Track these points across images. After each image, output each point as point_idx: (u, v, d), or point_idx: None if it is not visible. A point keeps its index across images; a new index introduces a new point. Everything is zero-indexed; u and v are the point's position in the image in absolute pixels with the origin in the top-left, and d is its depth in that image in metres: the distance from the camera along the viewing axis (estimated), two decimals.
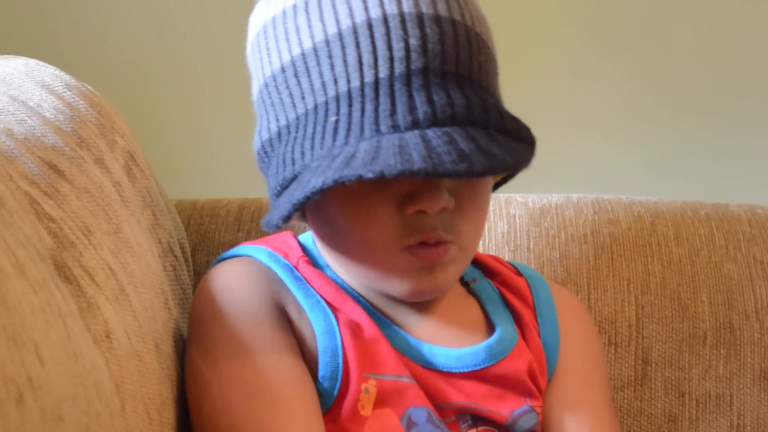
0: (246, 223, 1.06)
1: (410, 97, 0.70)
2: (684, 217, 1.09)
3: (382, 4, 0.72)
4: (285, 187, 0.75)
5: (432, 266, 0.75)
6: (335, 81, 0.72)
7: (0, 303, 0.49)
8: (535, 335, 0.85)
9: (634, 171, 1.65)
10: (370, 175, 0.64)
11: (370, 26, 0.71)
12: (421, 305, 0.81)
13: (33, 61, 0.84)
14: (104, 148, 0.79)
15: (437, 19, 0.72)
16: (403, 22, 0.71)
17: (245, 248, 0.83)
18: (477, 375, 0.79)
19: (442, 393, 0.78)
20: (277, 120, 0.77)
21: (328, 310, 0.77)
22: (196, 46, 1.60)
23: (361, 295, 0.80)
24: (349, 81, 0.71)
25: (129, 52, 1.59)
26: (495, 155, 0.67)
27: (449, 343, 0.80)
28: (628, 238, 1.06)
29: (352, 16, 0.72)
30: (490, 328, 0.83)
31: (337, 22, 0.72)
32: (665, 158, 1.65)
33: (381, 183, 0.69)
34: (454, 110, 0.70)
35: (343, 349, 0.76)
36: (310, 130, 0.73)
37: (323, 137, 0.71)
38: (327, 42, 0.72)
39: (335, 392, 0.75)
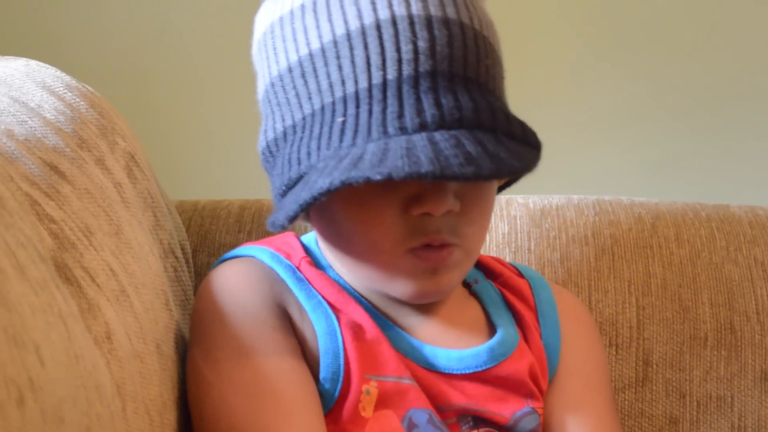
0: (247, 224, 1.06)
1: (418, 99, 0.70)
2: (685, 218, 1.09)
3: (390, 6, 0.72)
4: (290, 187, 0.74)
5: (436, 269, 0.75)
6: (343, 82, 0.72)
7: (1, 304, 0.49)
8: (536, 336, 0.85)
9: (635, 172, 1.65)
10: (378, 177, 0.64)
11: (378, 28, 0.71)
12: (423, 307, 0.81)
13: (34, 62, 0.84)
14: (105, 149, 0.79)
15: (446, 22, 0.72)
16: (411, 24, 0.71)
17: (247, 249, 0.83)
18: (478, 376, 0.79)
19: (443, 394, 0.77)
20: (283, 120, 0.77)
21: (330, 311, 0.77)
22: (196, 47, 1.60)
23: (363, 297, 0.80)
24: (356, 82, 0.71)
25: (130, 53, 1.59)
26: (502, 159, 0.67)
27: (451, 344, 0.80)
28: (629, 240, 1.06)
29: (360, 17, 0.72)
30: (492, 330, 0.83)
31: (346, 22, 0.72)
32: (666, 159, 1.65)
33: (387, 184, 0.69)
34: (462, 113, 0.70)
35: (345, 350, 0.76)
36: (316, 130, 0.73)
37: (330, 138, 0.71)
38: (335, 43, 0.72)
39: (336, 393, 0.75)
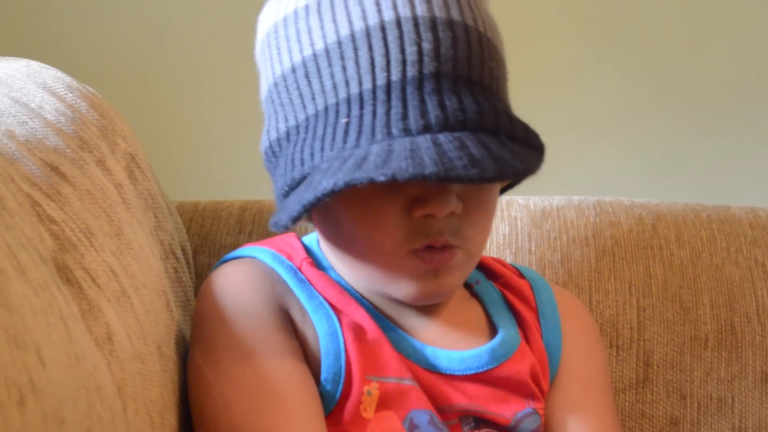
0: (247, 225, 1.06)
1: (422, 101, 0.70)
2: (685, 219, 1.09)
3: (395, 7, 0.72)
4: (293, 187, 0.74)
5: (438, 270, 0.75)
6: (347, 83, 0.72)
7: (1, 305, 0.49)
8: (537, 337, 0.85)
9: (636, 173, 1.65)
10: (382, 179, 0.64)
11: (383, 29, 0.71)
12: (425, 308, 0.81)
13: (34, 63, 0.84)
14: (106, 150, 0.79)
15: (450, 24, 0.72)
16: (416, 25, 0.71)
17: (249, 249, 0.83)
18: (480, 377, 0.79)
19: (444, 395, 0.77)
20: (286, 120, 0.77)
21: (331, 312, 0.77)
22: (197, 48, 1.60)
23: (364, 298, 0.80)
24: (360, 83, 0.71)
25: (130, 53, 1.59)
26: (506, 161, 0.67)
27: (452, 345, 0.80)
28: (629, 241, 1.06)
29: (365, 18, 0.72)
30: (493, 331, 0.83)
31: (350, 23, 0.72)
32: (666, 160, 1.65)
33: (390, 186, 0.69)
34: (466, 115, 0.70)
35: (346, 351, 0.76)
36: (320, 131, 0.73)
37: (333, 139, 0.71)
38: (339, 43, 0.72)
39: (337, 395, 0.75)
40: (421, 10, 0.72)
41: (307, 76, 0.74)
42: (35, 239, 0.60)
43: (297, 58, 0.75)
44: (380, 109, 0.70)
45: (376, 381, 0.75)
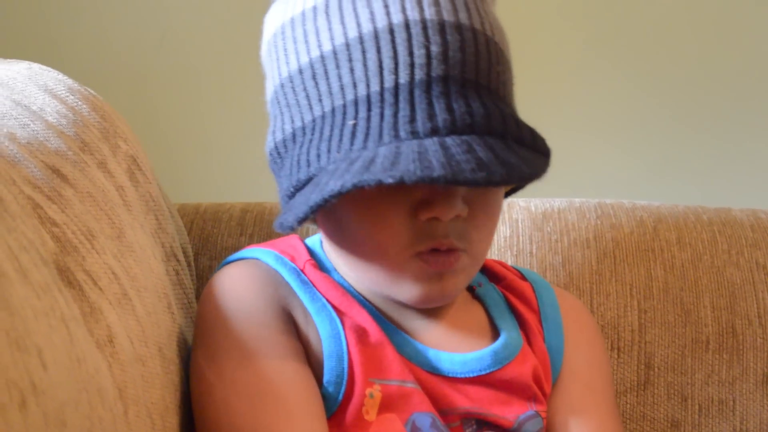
0: (248, 228, 1.06)
1: (430, 104, 0.70)
2: (686, 221, 1.09)
3: (404, 10, 0.72)
4: (298, 188, 0.74)
5: (442, 273, 0.75)
6: (354, 85, 0.72)
7: (3, 307, 0.49)
8: (539, 340, 0.85)
9: (637, 175, 1.65)
10: (390, 181, 0.64)
11: (391, 31, 0.71)
12: (427, 311, 0.81)
13: (36, 65, 0.84)
14: (107, 152, 0.79)
15: (459, 27, 0.72)
16: (425, 28, 0.71)
17: (252, 251, 0.83)
18: (482, 380, 0.79)
19: (447, 398, 0.77)
20: (292, 121, 0.77)
21: (334, 314, 0.77)
22: (198, 51, 1.60)
23: (367, 300, 0.80)
24: (368, 85, 0.71)
25: (132, 56, 1.59)
26: (513, 165, 0.67)
27: (454, 348, 0.80)
28: (630, 243, 1.06)
29: (373, 20, 0.72)
30: (495, 333, 0.83)
31: (359, 25, 0.72)
32: (668, 163, 1.65)
33: (396, 188, 0.69)
34: (473, 119, 0.70)
35: (349, 353, 0.76)
36: (327, 132, 0.73)
37: (341, 140, 0.71)
38: (347, 45, 0.72)
39: (340, 397, 0.75)
40: (429, 13, 0.72)
41: (314, 77, 0.74)
42: (37, 242, 0.60)
43: (304, 60, 0.75)
44: (388, 112, 0.70)
45: (378, 383, 0.75)
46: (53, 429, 0.50)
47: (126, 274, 0.71)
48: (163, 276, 0.81)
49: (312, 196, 0.69)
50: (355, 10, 0.73)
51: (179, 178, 1.50)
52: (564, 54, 1.62)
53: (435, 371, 0.78)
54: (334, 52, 0.73)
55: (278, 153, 0.79)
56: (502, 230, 1.07)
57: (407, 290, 0.76)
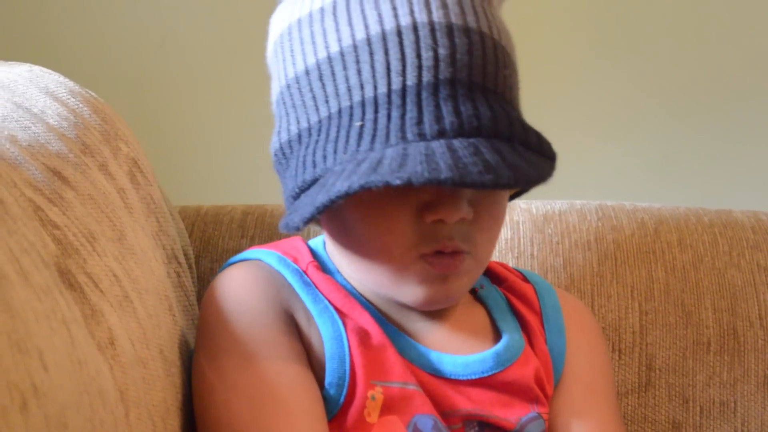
0: (250, 230, 1.06)
1: (437, 106, 0.70)
2: (687, 223, 1.09)
3: (412, 13, 0.72)
4: (303, 189, 0.74)
5: (446, 275, 0.75)
6: (361, 86, 0.72)
7: (4, 310, 0.49)
8: (541, 342, 0.85)
9: (638, 177, 1.65)
10: (398, 182, 0.64)
11: (399, 33, 0.71)
12: (430, 313, 0.81)
13: (37, 68, 0.84)
14: (108, 154, 0.79)
15: (466, 31, 0.72)
16: (432, 31, 0.71)
17: (254, 252, 0.83)
18: (484, 382, 0.79)
19: (449, 400, 0.77)
20: (298, 122, 0.77)
21: (336, 316, 0.77)
22: (198, 53, 1.60)
23: (370, 302, 0.80)
24: (375, 87, 0.71)
25: (133, 58, 1.59)
26: (519, 168, 0.67)
27: (457, 350, 0.80)
28: (631, 245, 1.06)
29: (381, 22, 0.72)
30: (497, 335, 0.83)
31: (366, 27, 0.72)
32: (668, 165, 1.65)
33: (402, 190, 0.69)
34: (480, 122, 0.70)
35: (351, 355, 0.76)
36: (333, 133, 0.73)
37: (347, 142, 0.71)
38: (355, 47, 0.72)
39: (341, 399, 0.75)
40: (437, 16, 0.72)
41: (321, 78, 0.74)
42: (38, 244, 0.60)
43: (311, 61, 0.75)
44: (395, 114, 0.70)
45: (380, 386, 0.75)
46: (54, 431, 0.50)
47: (127, 276, 0.71)
48: (164, 278, 0.81)
49: (318, 196, 0.69)
50: (362, 11, 0.73)
51: (180, 181, 1.50)
52: (565, 56, 1.62)
53: (437, 373, 0.78)
54: (342, 54, 0.73)
55: (283, 154, 0.79)
56: (504, 232, 1.07)
57: (411, 292, 0.76)
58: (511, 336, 0.82)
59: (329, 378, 0.75)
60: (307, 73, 0.75)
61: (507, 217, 1.08)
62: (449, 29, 0.72)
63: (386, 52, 0.71)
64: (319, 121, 0.74)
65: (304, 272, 0.80)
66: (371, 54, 0.72)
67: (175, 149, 1.60)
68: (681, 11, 1.62)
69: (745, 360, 1.02)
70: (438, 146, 0.68)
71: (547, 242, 1.06)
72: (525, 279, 0.91)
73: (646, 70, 1.63)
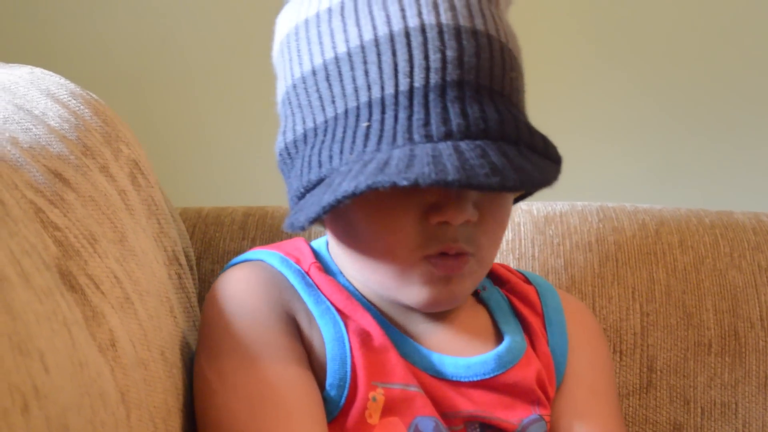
0: (251, 231, 1.06)
1: (444, 108, 0.70)
2: (689, 224, 1.09)
3: (420, 14, 0.72)
4: (309, 189, 0.74)
5: (450, 277, 0.75)
6: (368, 87, 0.72)
7: (5, 312, 0.49)
8: (543, 343, 0.85)
9: (639, 179, 1.65)
10: (405, 183, 0.64)
11: (407, 35, 0.71)
12: (432, 314, 0.81)
13: (38, 70, 0.84)
14: (109, 156, 0.79)
15: (474, 33, 0.72)
16: (440, 33, 0.71)
17: (257, 253, 0.83)
18: (486, 384, 0.79)
19: (450, 402, 0.77)
20: (304, 122, 0.77)
21: (338, 317, 0.77)
22: (199, 55, 1.60)
23: (372, 304, 0.80)
24: (383, 88, 0.71)
25: (133, 60, 1.59)
26: (526, 171, 0.68)
27: (458, 352, 0.80)
28: (632, 246, 1.06)
29: (389, 23, 0.72)
30: (499, 337, 0.83)
31: (374, 28, 0.72)
32: (670, 166, 1.65)
33: (407, 191, 0.69)
34: (487, 124, 0.70)
35: (352, 357, 0.76)
36: (339, 134, 0.73)
37: (354, 142, 0.71)
38: (362, 48, 0.72)
39: (342, 400, 0.75)
40: (445, 18, 0.72)
41: (327, 78, 0.74)
42: (39, 246, 0.60)
43: (318, 61, 0.75)
44: (402, 115, 0.70)
45: (381, 387, 0.75)
46: None
47: (128, 278, 0.71)
48: (166, 280, 0.81)
49: (324, 196, 0.69)
50: (370, 12, 0.73)
51: (181, 182, 1.50)
52: (566, 57, 1.62)
53: (439, 375, 0.78)
54: (349, 54, 0.73)
55: (288, 154, 0.79)
56: (505, 233, 1.07)
57: (414, 293, 0.76)
58: (513, 338, 0.82)
59: (330, 379, 0.75)
60: (314, 73, 0.75)
61: None
62: (457, 31, 0.72)
63: (394, 53, 0.71)
64: (326, 122, 0.74)
65: (307, 273, 0.80)
66: (379, 55, 0.72)
67: (176, 151, 1.60)
68: (681, 12, 1.62)
69: (746, 361, 1.02)
70: (445, 148, 0.68)
71: (548, 243, 1.06)
72: (527, 281, 0.91)
73: (647, 72, 1.63)
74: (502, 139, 0.70)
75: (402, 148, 0.69)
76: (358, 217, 0.75)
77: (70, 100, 0.80)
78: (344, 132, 0.72)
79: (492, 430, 0.79)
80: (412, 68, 0.71)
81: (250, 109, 1.52)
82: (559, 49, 1.62)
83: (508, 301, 0.87)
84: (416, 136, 0.69)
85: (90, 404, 0.56)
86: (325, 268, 0.82)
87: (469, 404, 0.78)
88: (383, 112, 0.71)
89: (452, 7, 0.73)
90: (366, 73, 0.72)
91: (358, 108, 0.72)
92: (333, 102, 0.74)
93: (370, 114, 0.71)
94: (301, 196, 0.76)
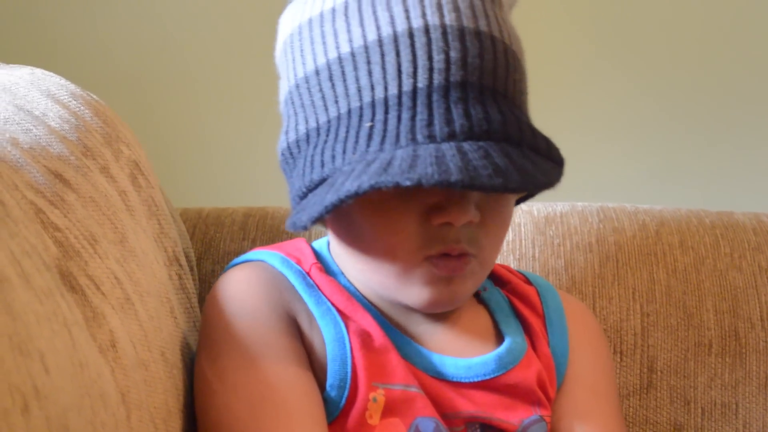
0: (251, 232, 1.06)
1: (448, 109, 0.70)
2: (689, 225, 1.09)
3: (424, 15, 0.72)
4: (311, 189, 0.74)
5: (451, 278, 0.75)
6: (372, 87, 0.72)
7: (6, 312, 0.49)
8: (544, 344, 0.85)
9: (639, 179, 1.65)
10: (408, 183, 0.64)
11: (411, 35, 0.71)
12: (432, 315, 0.81)
13: (38, 71, 0.84)
14: (109, 157, 0.79)
15: (478, 34, 0.72)
16: (444, 34, 0.71)
17: (257, 253, 0.83)
18: (487, 385, 0.79)
19: (451, 403, 0.77)
20: (307, 122, 0.77)
21: (339, 318, 0.77)
22: (199, 56, 1.60)
23: (373, 304, 0.80)
24: (386, 88, 0.71)
25: (134, 61, 1.60)
26: (529, 172, 0.68)
27: (459, 353, 0.80)
28: (633, 247, 1.06)
29: (393, 24, 0.72)
30: (500, 338, 0.83)
31: (378, 28, 0.72)
32: (670, 167, 1.65)
33: (410, 192, 0.69)
34: (491, 125, 0.70)
35: (352, 357, 0.76)
36: (342, 134, 0.73)
37: (356, 142, 0.71)
38: (366, 48, 0.72)
39: (343, 401, 0.75)
40: (449, 19, 0.72)
41: (330, 78, 0.74)
42: (39, 246, 0.60)
43: (321, 61, 0.75)
44: (405, 115, 0.70)
45: (382, 388, 0.75)
46: None
47: (128, 278, 0.71)
48: (166, 280, 0.81)
49: (327, 196, 0.69)
50: (374, 13, 0.73)
51: (181, 183, 1.50)
52: (567, 58, 1.62)
53: (439, 376, 0.78)
54: (352, 54, 0.73)
55: (291, 153, 0.79)
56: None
57: (416, 294, 0.76)
58: (514, 339, 0.82)
59: (331, 380, 0.75)
60: (317, 73, 0.75)
61: None
62: (461, 32, 0.72)
63: (397, 54, 0.71)
64: (328, 121, 0.74)
65: (307, 274, 0.80)
66: (382, 55, 0.72)
67: (177, 152, 1.60)
68: (681, 13, 1.62)
69: (746, 362, 1.02)
70: (448, 148, 0.68)
71: (548, 244, 1.06)
72: (528, 281, 0.91)
73: (647, 72, 1.63)
74: (505, 140, 0.70)
75: (405, 149, 0.69)
76: (360, 217, 0.75)
77: (70, 101, 0.80)
78: (347, 132, 0.72)
79: (492, 430, 0.78)
80: (415, 69, 0.71)
81: (250, 110, 1.52)
82: (559, 49, 1.62)
83: (508, 301, 0.87)
84: (419, 137, 0.69)
85: (90, 405, 0.56)
86: (326, 268, 0.82)
87: (470, 405, 0.78)
88: (386, 112, 0.71)
89: (456, 8, 0.73)
90: (369, 73, 0.72)
91: (361, 108, 0.72)
92: (336, 102, 0.74)
93: (374, 114, 0.71)
94: (304, 196, 0.76)
